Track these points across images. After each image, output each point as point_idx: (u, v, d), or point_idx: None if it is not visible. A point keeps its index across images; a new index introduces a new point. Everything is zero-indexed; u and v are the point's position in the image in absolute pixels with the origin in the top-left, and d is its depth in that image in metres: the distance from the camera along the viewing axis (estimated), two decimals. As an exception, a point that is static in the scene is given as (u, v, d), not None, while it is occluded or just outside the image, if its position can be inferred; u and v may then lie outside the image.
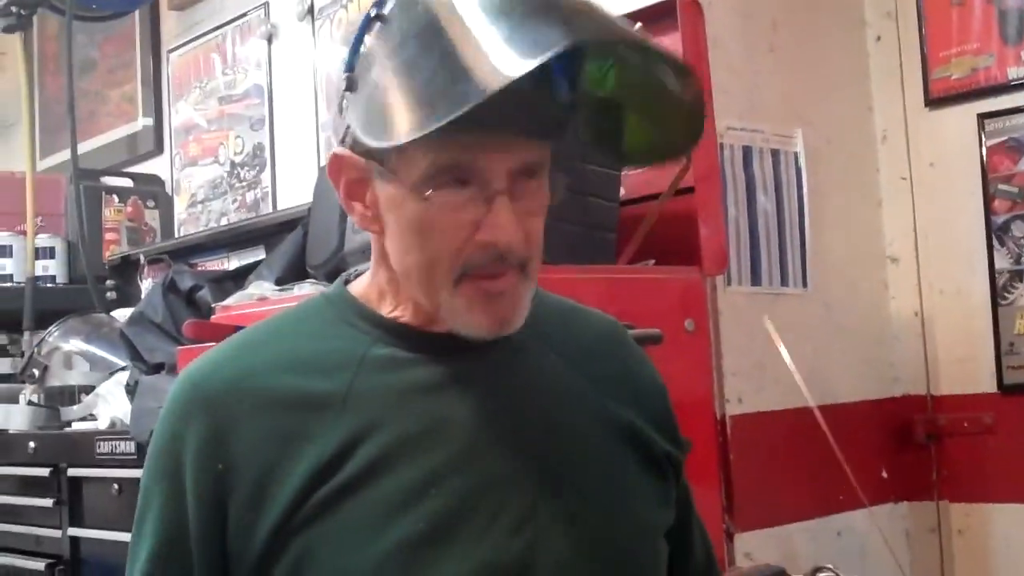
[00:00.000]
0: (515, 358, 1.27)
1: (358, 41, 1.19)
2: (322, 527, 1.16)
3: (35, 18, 4.10)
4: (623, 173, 2.25)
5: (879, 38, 3.04)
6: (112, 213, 4.14)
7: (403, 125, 1.10)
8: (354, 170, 1.21)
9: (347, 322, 1.27)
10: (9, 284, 3.80)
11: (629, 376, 1.35)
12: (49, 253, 3.95)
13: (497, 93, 1.03)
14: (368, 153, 1.18)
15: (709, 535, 1.47)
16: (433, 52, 1.11)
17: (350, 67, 1.19)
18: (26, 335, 3.60)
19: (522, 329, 1.25)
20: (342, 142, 1.22)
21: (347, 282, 1.32)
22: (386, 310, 1.27)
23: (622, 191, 2.31)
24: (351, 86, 1.18)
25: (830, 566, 2.09)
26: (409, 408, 1.21)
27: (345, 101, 1.19)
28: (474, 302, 1.18)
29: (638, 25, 1.20)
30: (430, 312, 1.23)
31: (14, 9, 3.82)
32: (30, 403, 3.25)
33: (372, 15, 1.18)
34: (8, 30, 3.83)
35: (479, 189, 1.14)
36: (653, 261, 2.29)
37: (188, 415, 1.22)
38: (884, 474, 2.89)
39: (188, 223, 4.33)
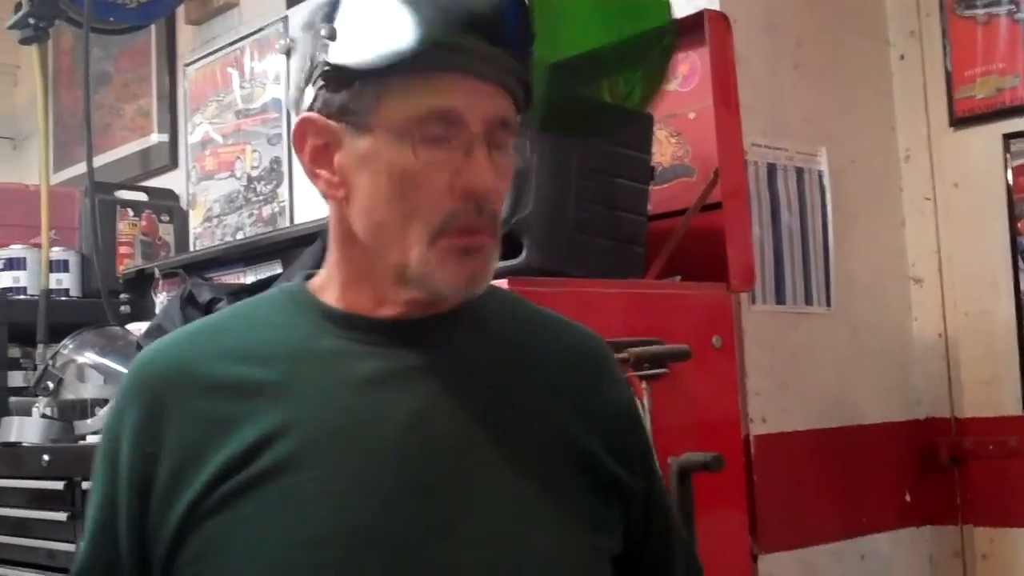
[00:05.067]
0: (469, 356, 1.25)
1: None
2: (227, 517, 1.15)
3: (51, 31, 4.09)
4: (651, 188, 2.23)
5: (903, 57, 3.03)
6: (126, 227, 4.12)
7: (402, 42, 1.13)
8: (321, 135, 1.21)
9: (297, 312, 1.26)
10: (23, 297, 3.77)
11: (592, 395, 1.30)
12: (63, 266, 3.92)
13: (476, 46, 1.14)
14: (341, 111, 1.19)
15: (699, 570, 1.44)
16: None
17: (330, 18, 1.20)
18: (40, 348, 3.57)
19: (484, 332, 1.26)
20: (309, 109, 1.21)
21: (310, 277, 1.31)
22: (332, 298, 1.25)
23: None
24: (332, 35, 1.19)
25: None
26: (340, 403, 1.19)
27: (321, 55, 1.19)
28: (448, 258, 1.17)
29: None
30: (381, 291, 1.22)
31: (31, 21, 3.80)
32: (44, 416, 3.22)
33: None
34: (25, 42, 3.81)
35: (458, 137, 1.16)
36: (680, 277, 2.27)
37: (129, 398, 1.23)
38: (908, 497, 2.86)
39: (203, 237, 4.31)
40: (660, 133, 2.36)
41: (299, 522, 1.13)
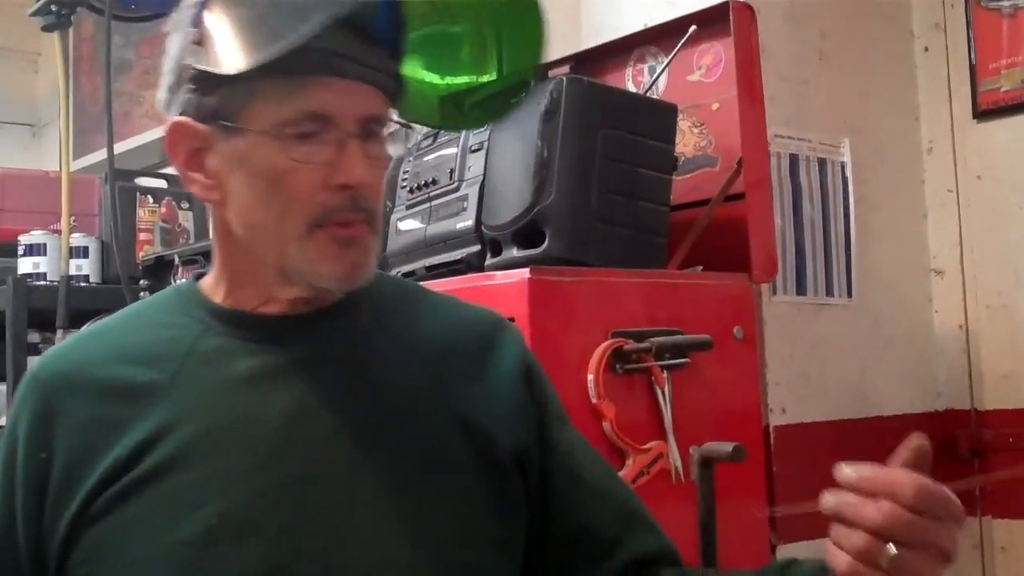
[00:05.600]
0: (354, 349, 1.26)
1: None
2: (114, 519, 1.16)
3: (73, 18, 4.09)
4: (673, 178, 2.22)
5: (927, 49, 3.01)
6: (146, 214, 4.12)
7: (269, 46, 1.13)
8: (194, 139, 1.22)
9: (186, 312, 1.27)
10: (43, 283, 3.78)
11: (481, 372, 1.30)
12: (83, 252, 3.93)
13: (346, 47, 1.16)
14: (212, 114, 1.19)
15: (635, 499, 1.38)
16: None
17: (196, 22, 1.20)
18: (59, 333, 3.57)
19: (368, 323, 1.27)
20: (181, 113, 1.22)
21: (199, 276, 1.32)
22: (220, 296, 1.27)
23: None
24: (199, 39, 1.20)
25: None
26: (224, 401, 1.20)
27: (190, 59, 1.20)
28: (327, 250, 1.19)
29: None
30: (265, 289, 1.24)
31: (53, 8, 3.80)
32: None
33: None
34: (47, 29, 3.80)
35: (331, 135, 1.17)
36: (701, 267, 2.26)
37: (24, 403, 1.25)
38: (927, 489, 2.85)
39: (221, 225, 4.31)
40: (683, 123, 2.35)
41: (180, 522, 1.14)
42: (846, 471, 1.04)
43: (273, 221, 1.19)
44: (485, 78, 1.35)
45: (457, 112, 1.38)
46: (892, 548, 0.97)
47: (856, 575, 0.99)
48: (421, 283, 1.55)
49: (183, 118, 1.22)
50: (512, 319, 1.92)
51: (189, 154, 1.24)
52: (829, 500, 1.04)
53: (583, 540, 1.31)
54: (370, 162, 1.20)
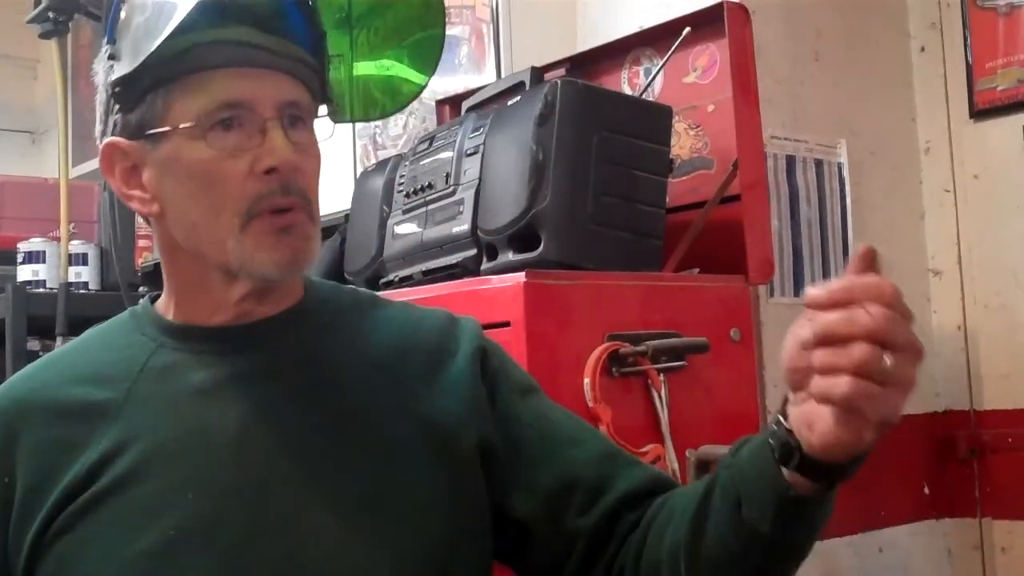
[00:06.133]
0: (307, 356, 1.27)
1: (116, 12, 1.24)
2: (75, 536, 1.17)
3: (71, 25, 4.09)
4: (669, 180, 2.22)
5: (923, 49, 3.01)
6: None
7: (160, 31, 1.16)
8: (126, 157, 1.24)
9: (140, 331, 1.29)
10: (42, 290, 3.79)
11: (436, 367, 1.31)
12: (82, 259, 3.94)
13: (253, 38, 1.20)
14: (139, 128, 1.22)
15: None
16: None
17: (111, 39, 1.24)
18: (59, 340, 3.58)
19: (319, 332, 1.29)
20: (111, 134, 1.25)
21: (155, 298, 1.33)
22: (171, 312, 1.28)
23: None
24: (115, 55, 1.23)
25: (879, 581, 2.06)
26: (178, 414, 1.21)
27: (117, 87, 1.23)
28: (264, 239, 1.20)
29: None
30: (213, 296, 1.25)
31: (51, 15, 3.80)
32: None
33: None
34: (45, 36, 3.80)
35: (251, 123, 1.19)
36: (698, 270, 2.26)
37: None
38: (926, 490, 2.85)
39: (220, 231, 4.31)
40: (679, 125, 2.35)
41: (139, 534, 1.15)
42: (815, 290, 0.95)
43: (208, 218, 1.20)
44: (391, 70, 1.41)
45: (368, 101, 1.42)
46: (888, 356, 0.93)
47: (850, 414, 0.95)
48: (416, 287, 1.55)
49: (114, 138, 1.25)
50: (508, 323, 1.92)
51: (124, 172, 1.26)
52: (818, 320, 0.94)
53: (570, 490, 1.28)
54: (296, 147, 1.22)
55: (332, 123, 1.35)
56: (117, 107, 1.24)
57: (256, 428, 1.21)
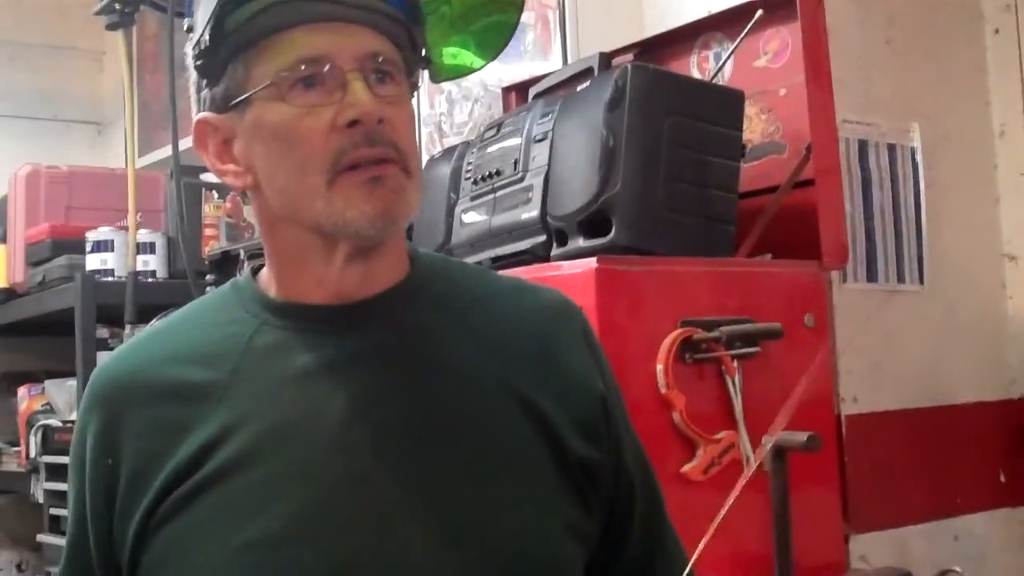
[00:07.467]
0: (415, 339, 1.23)
1: None
2: (180, 524, 1.15)
3: (136, 16, 4.12)
4: (741, 165, 2.20)
5: (997, 31, 2.96)
6: (211, 209, 4.14)
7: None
8: (217, 132, 1.22)
9: (243, 308, 1.26)
10: (111, 279, 3.82)
11: (555, 362, 1.27)
12: (150, 248, 3.96)
13: None
14: (225, 100, 1.20)
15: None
16: None
17: (189, 12, 1.22)
18: (127, 328, 3.61)
19: (430, 310, 1.24)
20: (202, 111, 1.24)
21: (258, 270, 1.30)
22: (274, 288, 1.25)
23: (737, 184, 2.27)
24: (192, 27, 1.21)
25: (957, 569, 2.02)
26: (284, 398, 1.18)
27: (198, 60, 1.21)
28: (353, 193, 1.16)
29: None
30: (315, 269, 1.21)
31: (117, 7, 3.83)
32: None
33: None
34: (111, 27, 3.84)
35: (332, 78, 1.16)
36: (770, 255, 2.24)
37: (90, 409, 1.25)
38: (1002, 478, 2.81)
39: (286, 220, 4.33)
40: (750, 110, 2.32)
41: (245, 524, 1.13)
42: None
43: (295, 180, 1.18)
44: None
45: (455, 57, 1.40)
46: None
47: None
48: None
49: (204, 114, 1.24)
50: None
51: (217, 148, 1.24)
52: None
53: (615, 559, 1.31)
54: (382, 99, 1.18)
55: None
56: (204, 83, 1.22)
57: (363, 415, 1.17)
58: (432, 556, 1.14)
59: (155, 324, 1.34)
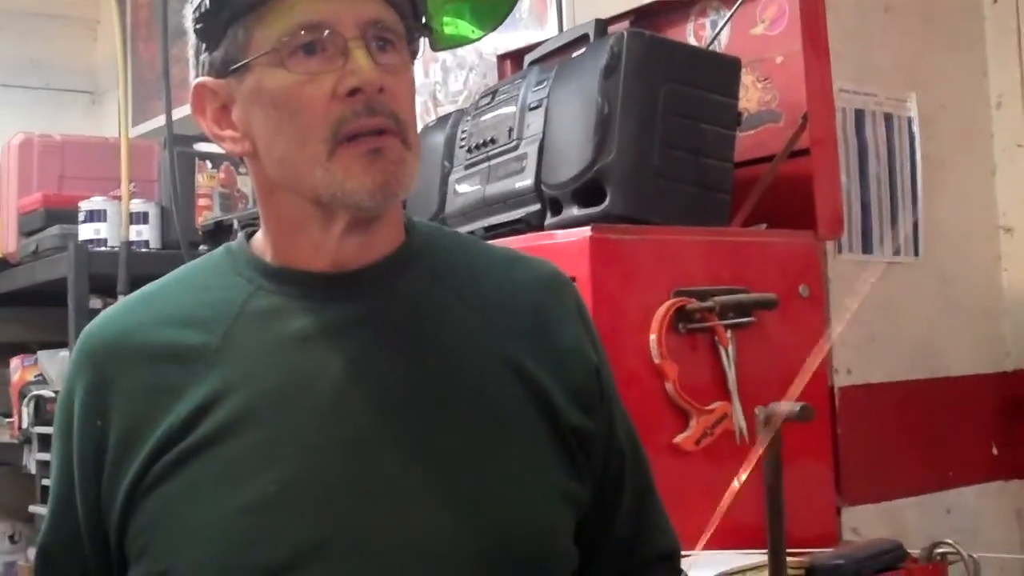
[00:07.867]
0: (411, 306, 1.23)
1: None
2: (170, 488, 1.14)
3: (130, -16, 4.10)
4: (737, 134, 2.18)
5: (995, 1, 2.94)
6: (205, 179, 4.13)
7: None
8: (216, 96, 1.22)
9: (236, 272, 1.25)
10: (104, 248, 3.81)
11: (548, 333, 1.27)
12: (143, 218, 3.95)
13: None
14: (224, 65, 1.19)
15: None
16: None
17: None
18: (119, 299, 3.60)
19: (426, 278, 1.23)
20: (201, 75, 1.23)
21: (252, 235, 1.29)
22: (270, 253, 1.24)
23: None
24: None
25: (949, 541, 2.02)
26: (276, 362, 1.17)
27: (199, 23, 1.21)
28: (353, 163, 1.15)
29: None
30: (312, 236, 1.20)
31: (110, -26, 3.81)
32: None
33: None
34: (104, -5, 3.82)
35: (333, 44, 1.15)
36: (765, 225, 2.23)
37: (78, 371, 1.23)
38: (995, 451, 2.80)
39: (280, 190, 4.31)
40: (747, 78, 2.31)
41: (240, 487, 1.13)
42: None
43: (295, 148, 1.17)
44: None
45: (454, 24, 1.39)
46: None
47: None
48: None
49: (202, 78, 1.23)
50: (573, 278, 1.90)
51: (215, 113, 1.23)
52: None
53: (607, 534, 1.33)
54: (383, 68, 1.17)
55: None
56: (204, 47, 1.21)
57: (358, 380, 1.17)
58: (428, 520, 1.14)
59: (146, 287, 1.31)
